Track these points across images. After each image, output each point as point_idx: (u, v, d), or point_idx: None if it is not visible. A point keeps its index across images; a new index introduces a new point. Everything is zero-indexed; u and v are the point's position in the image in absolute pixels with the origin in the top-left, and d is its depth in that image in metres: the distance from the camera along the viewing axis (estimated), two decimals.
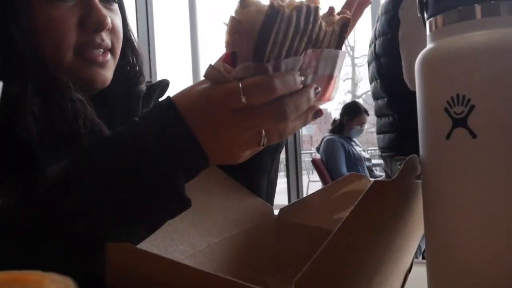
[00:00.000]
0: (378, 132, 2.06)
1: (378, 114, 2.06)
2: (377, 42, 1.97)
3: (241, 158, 0.45)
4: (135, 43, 0.72)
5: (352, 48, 19.70)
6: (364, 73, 20.10)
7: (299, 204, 0.59)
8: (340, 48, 0.45)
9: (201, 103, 0.42)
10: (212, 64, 0.42)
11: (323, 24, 0.42)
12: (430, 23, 0.40)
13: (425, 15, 0.40)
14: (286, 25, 0.38)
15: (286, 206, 0.59)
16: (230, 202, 0.56)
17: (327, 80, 0.46)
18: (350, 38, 20.71)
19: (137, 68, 0.71)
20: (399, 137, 1.89)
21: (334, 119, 3.92)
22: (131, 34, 0.71)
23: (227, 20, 0.40)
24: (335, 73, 0.46)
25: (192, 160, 0.43)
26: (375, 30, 2.02)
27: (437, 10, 0.38)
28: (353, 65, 19.82)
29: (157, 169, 0.41)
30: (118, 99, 0.67)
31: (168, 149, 0.41)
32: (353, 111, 3.69)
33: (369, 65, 2.12)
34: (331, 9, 0.44)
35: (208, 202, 0.53)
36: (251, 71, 0.40)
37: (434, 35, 0.39)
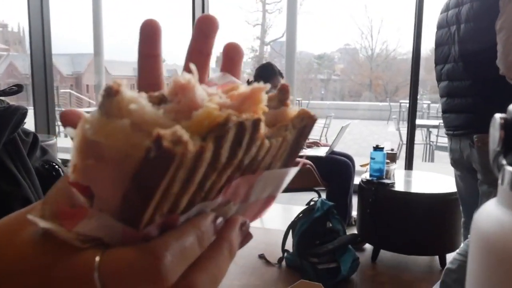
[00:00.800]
0: (448, 112, 2.12)
1: (451, 95, 2.10)
2: (462, 26, 1.99)
3: None
4: None
5: None
6: (273, 20, 19.94)
7: None
8: (292, 163, 0.28)
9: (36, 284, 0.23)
10: (59, 186, 0.23)
11: (266, 140, 0.24)
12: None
13: (500, 156, 0.25)
14: (190, 171, 0.21)
15: None
16: None
17: (263, 203, 0.29)
18: None
19: None
20: (478, 118, 1.97)
21: (248, 81, 3.75)
22: None
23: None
24: (277, 193, 0.30)
25: None
26: (458, 13, 2.01)
27: None
28: (264, 11, 19.55)
29: None
30: None
31: None
32: (266, 74, 3.53)
33: (440, 46, 2.15)
34: (284, 90, 0.27)
35: None
36: (116, 234, 0.22)
37: None
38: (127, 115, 0.20)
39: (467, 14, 1.96)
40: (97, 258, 0.21)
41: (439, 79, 2.22)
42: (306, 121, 0.26)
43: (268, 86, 0.25)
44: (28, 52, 5.21)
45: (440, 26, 2.18)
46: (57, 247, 0.22)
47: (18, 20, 20.00)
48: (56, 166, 0.54)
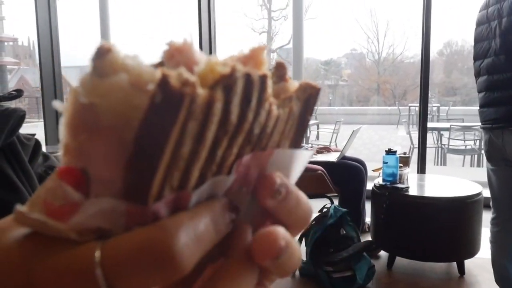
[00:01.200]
0: (487, 106, 2.19)
1: (490, 88, 2.16)
2: (503, 20, 2.08)
3: None
4: None
5: (269, 1, 19.37)
6: (279, 27, 19.97)
7: None
8: (300, 143, 0.26)
9: None
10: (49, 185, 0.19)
11: (274, 105, 0.23)
12: None
13: None
14: (201, 125, 0.19)
15: None
16: None
17: None
18: None
19: None
20: None
21: None
22: None
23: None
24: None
25: None
26: (500, 8, 2.11)
27: None
28: (270, 18, 19.61)
29: None
30: None
31: None
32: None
33: (479, 41, 2.23)
34: (281, 68, 0.25)
35: None
36: (119, 218, 0.19)
37: None
38: (122, 71, 0.18)
39: (509, 7, 2.05)
40: (97, 253, 0.18)
41: (477, 74, 2.27)
42: (309, 91, 0.25)
43: (267, 46, 0.23)
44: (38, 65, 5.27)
45: (479, 23, 2.24)
46: (47, 245, 0.19)
47: (28, 34, 20.32)
48: None
